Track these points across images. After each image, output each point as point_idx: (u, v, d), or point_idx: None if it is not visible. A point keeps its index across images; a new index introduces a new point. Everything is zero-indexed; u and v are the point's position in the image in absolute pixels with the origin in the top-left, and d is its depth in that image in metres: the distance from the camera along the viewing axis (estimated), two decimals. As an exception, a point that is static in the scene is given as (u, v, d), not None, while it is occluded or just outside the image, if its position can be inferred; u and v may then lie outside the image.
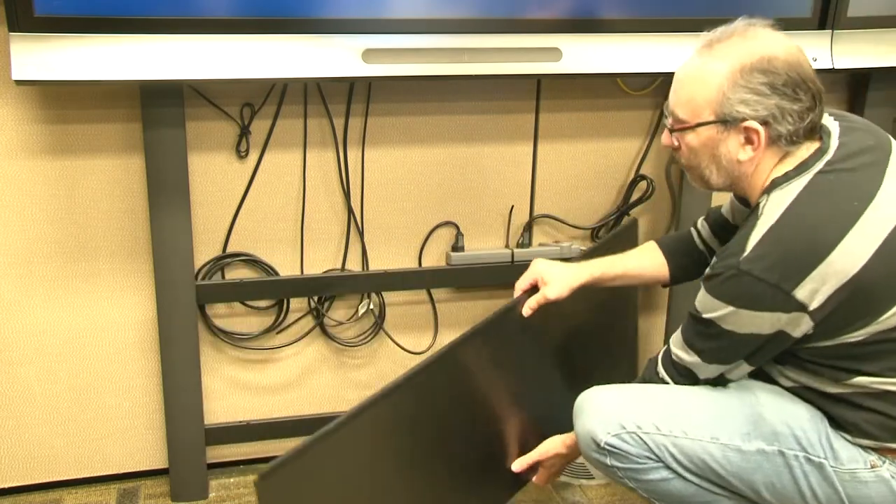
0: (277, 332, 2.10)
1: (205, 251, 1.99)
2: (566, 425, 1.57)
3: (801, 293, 1.27)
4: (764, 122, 1.33)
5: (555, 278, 1.64)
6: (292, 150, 1.98)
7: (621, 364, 2.11)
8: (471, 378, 1.63)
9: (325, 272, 2.07)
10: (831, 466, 1.37)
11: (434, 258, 2.15)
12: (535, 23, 1.82)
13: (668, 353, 1.50)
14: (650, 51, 1.89)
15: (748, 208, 1.46)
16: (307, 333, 2.10)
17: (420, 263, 2.14)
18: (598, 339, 2.00)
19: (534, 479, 1.74)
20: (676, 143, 1.43)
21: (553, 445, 1.67)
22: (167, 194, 1.85)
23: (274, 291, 2.04)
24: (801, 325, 1.30)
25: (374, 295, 2.12)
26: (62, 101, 1.82)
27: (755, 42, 1.33)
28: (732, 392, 1.46)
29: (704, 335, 1.39)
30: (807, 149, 1.36)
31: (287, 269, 2.05)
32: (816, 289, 1.26)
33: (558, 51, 1.84)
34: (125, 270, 1.95)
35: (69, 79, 1.62)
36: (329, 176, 2.02)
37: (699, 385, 1.47)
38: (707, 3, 1.90)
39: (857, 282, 1.26)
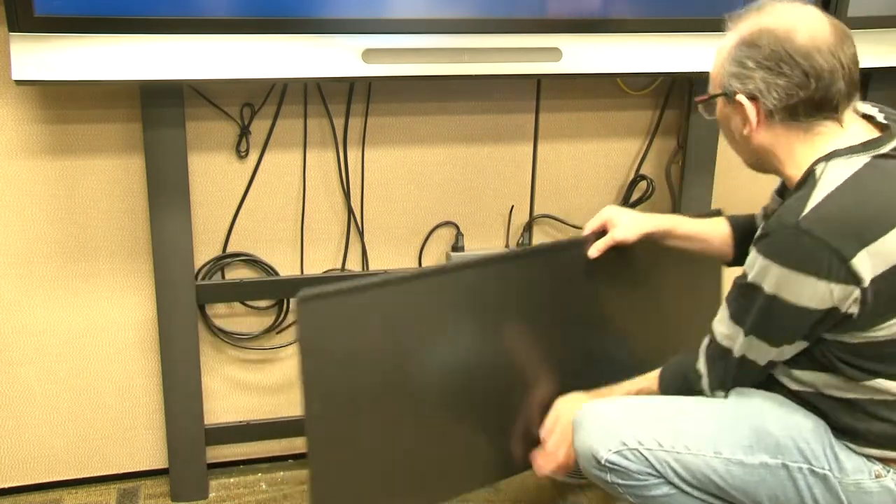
0: (277, 332, 2.10)
1: (205, 251, 1.99)
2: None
3: (858, 263, 1.22)
4: (752, 97, 1.32)
5: (623, 222, 1.65)
6: (292, 150, 1.98)
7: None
8: (520, 297, 1.61)
9: (325, 272, 2.07)
10: (836, 477, 1.36)
11: (434, 258, 2.15)
12: (535, 23, 1.82)
13: (710, 340, 1.44)
14: (650, 51, 1.88)
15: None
16: (307, 333, 2.10)
17: (420, 263, 2.14)
18: (661, 322, 1.91)
19: (535, 464, 1.67)
20: (708, 117, 1.45)
21: (565, 414, 1.60)
22: (167, 194, 1.85)
23: (274, 291, 2.04)
24: (849, 303, 1.25)
25: (374, 295, 2.12)
26: (62, 101, 1.82)
27: (762, 16, 1.32)
28: (734, 405, 1.44)
29: (751, 303, 1.33)
30: (865, 131, 1.33)
31: (287, 269, 2.05)
32: (873, 263, 1.22)
33: (558, 51, 1.84)
34: (125, 270, 1.95)
35: (69, 79, 1.62)
36: (329, 176, 2.02)
37: (733, 380, 1.43)
38: (707, 3, 1.90)
39: None
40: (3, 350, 1.93)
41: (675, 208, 2.22)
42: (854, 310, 1.26)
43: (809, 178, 1.30)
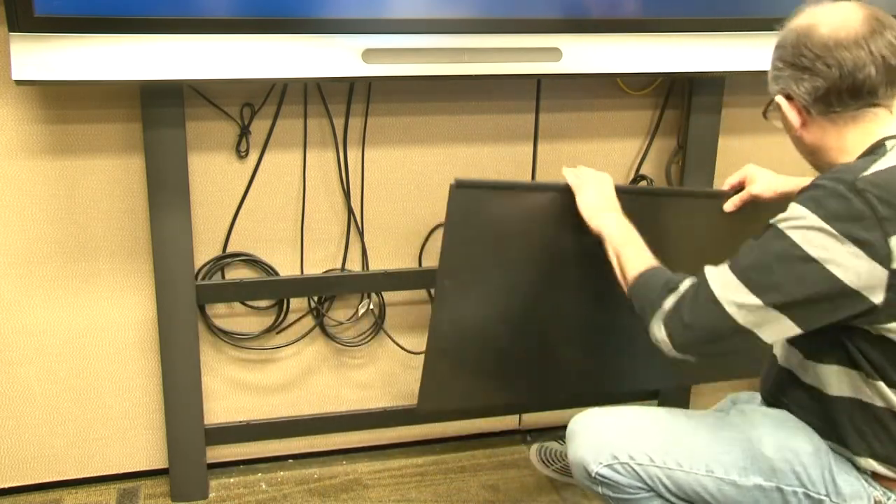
0: (277, 332, 2.10)
1: (205, 251, 1.99)
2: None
3: (894, 242, 1.18)
4: (788, 97, 1.33)
5: (762, 178, 1.66)
6: (292, 150, 1.98)
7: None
8: (653, 231, 1.59)
9: (325, 272, 2.07)
10: (833, 502, 1.35)
11: (434, 258, 2.15)
12: (535, 23, 1.81)
13: (700, 278, 1.31)
14: (650, 51, 1.88)
15: None
16: (307, 333, 2.10)
17: (420, 263, 2.14)
18: None
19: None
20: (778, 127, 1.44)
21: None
22: (167, 194, 1.85)
23: (274, 291, 2.04)
24: (876, 289, 1.20)
25: (374, 295, 2.12)
26: (62, 101, 1.82)
27: (794, 19, 1.34)
28: (731, 424, 1.43)
29: (767, 249, 1.25)
30: None
31: (287, 269, 2.05)
32: None
33: (558, 51, 1.84)
34: (125, 270, 1.95)
35: (69, 79, 1.62)
36: (329, 176, 2.02)
37: (700, 330, 1.29)
38: (706, 3, 1.90)
39: None
40: (3, 350, 1.93)
41: (675, 208, 2.23)
42: (879, 297, 1.20)
43: (879, 149, 1.28)
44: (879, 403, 1.31)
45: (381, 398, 2.21)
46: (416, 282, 2.12)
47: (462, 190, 1.59)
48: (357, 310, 2.12)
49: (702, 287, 1.29)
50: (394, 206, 2.08)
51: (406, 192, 2.08)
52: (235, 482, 2.11)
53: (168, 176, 1.84)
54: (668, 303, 1.32)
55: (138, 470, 2.10)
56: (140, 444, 2.08)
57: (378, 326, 2.15)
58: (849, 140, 1.32)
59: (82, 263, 1.93)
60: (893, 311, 1.22)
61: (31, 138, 1.82)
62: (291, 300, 2.07)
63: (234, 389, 2.11)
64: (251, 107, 1.92)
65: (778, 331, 1.26)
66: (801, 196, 1.25)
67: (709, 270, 1.30)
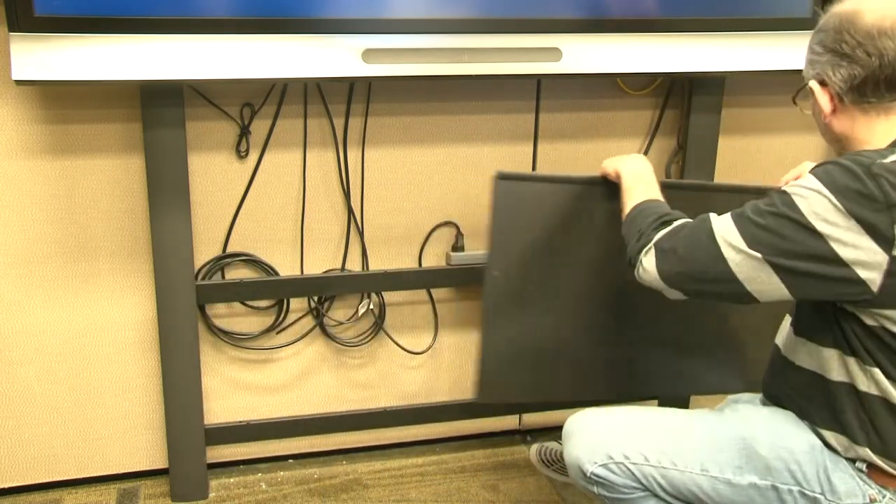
0: (277, 332, 2.10)
1: (205, 251, 1.99)
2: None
3: None
4: (822, 82, 1.32)
5: None
6: (292, 150, 1.98)
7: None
8: None
9: (325, 272, 2.07)
10: (828, 501, 1.34)
11: (434, 258, 2.15)
12: (535, 23, 1.82)
13: (702, 217, 1.33)
14: (650, 51, 1.88)
15: None
16: (307, 333, 2.10)
17: (420, 263, 2.14)
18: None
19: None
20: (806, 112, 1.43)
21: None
22: (167, 194, 1.85)
23: (274, 291, 2.04)
24: (872, 270, 1.20)
25: (374, 295, 2.12)
26: (62, 101, 1.82)
27: (847, 2, 1.32)
28: (725, 423, 1.43)
29: (771, 209, 1.25)
30: None
31: (287, 269, 2.05)
32: None
33: (558, 51, 1.84)
34: (125, 270, 1.95)
35: (69, 79, 1.62)
36: (329, 176, 2.02)
37: (682, 259, 1.31)
38: (706, 3, 1.90)
39: None
40: (3, 350, 1.93)
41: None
42: (875, 279, 1.20)
43: None
44: (874, 392, 1.31)
45: (381, 398, 2.21)
46: (416, 282, 2.12)
47: (504, 182, 1.65)
48: (357, 310, 2.12)
49: (703, 223, 1.32)
50: (394, 206, 2.08)
51: (406, 192, 2.08)
52: (235, 482, 2.11)
53: (168, 176, 1.84)
54: (662, 233, 1.36)
55: (138, 470, 2.10)
56: (140, 444, 2.08)
57: (378, 326, 2.15)
58: (877, 132, 1.31)
59: (82, 263, 1.93)
60: (891, 298, 1.22)
61: (31, 138, 1.82)
62: (291, 300, 2.07)
63: (234, 389, 2.11)
64: (251, 107, 1.92)
65: (768, 289, 1.27)
66: (818, 168, 1.26)
67: (712, 215, 1.33)
